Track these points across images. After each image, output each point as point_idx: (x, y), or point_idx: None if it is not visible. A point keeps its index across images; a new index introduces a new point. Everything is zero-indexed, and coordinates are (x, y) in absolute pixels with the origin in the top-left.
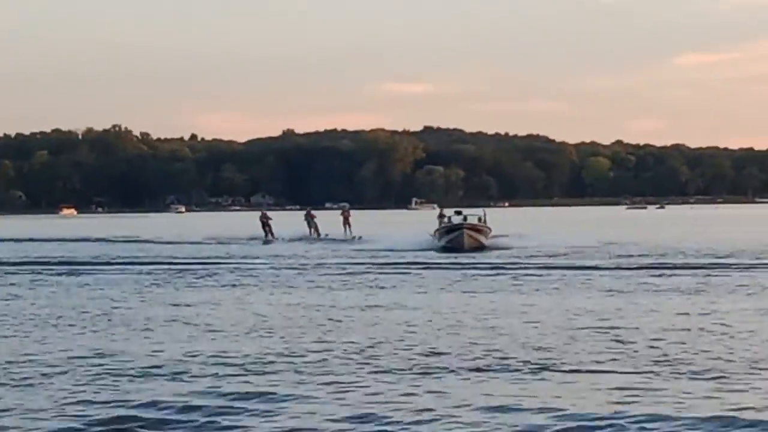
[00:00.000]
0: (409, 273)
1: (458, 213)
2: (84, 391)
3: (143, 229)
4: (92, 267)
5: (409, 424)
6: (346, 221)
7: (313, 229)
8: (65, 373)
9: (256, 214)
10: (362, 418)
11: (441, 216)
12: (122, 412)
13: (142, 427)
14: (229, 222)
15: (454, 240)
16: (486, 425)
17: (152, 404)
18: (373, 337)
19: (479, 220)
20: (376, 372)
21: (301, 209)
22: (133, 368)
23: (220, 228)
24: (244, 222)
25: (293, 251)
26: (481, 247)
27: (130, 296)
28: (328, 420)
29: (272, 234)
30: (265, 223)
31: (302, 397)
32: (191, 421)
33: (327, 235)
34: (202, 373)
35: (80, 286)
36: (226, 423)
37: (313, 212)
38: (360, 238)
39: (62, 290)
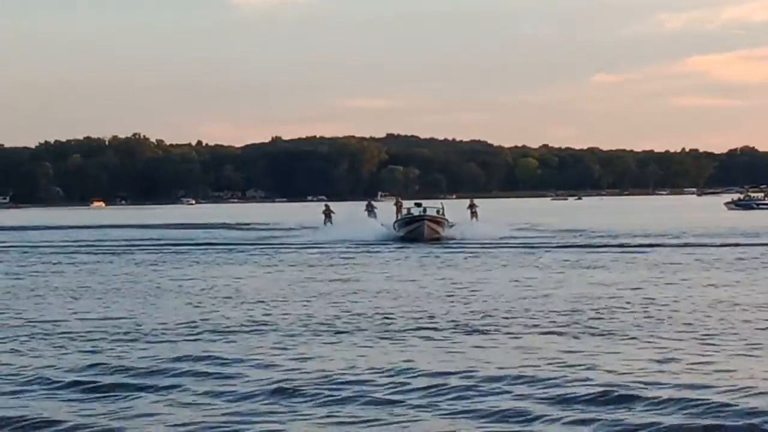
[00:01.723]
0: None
1: (418, 205)
2: (69, 351)
3: (185, 217)
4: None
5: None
6: (399, 210)
7: (373, 218)
8: (64, 334)
9: (255, 205)
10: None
11: (398, 206)
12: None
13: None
14: (250, 212)
15: (415, 231)
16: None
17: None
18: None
19: (437, 212)
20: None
21: (288, 201)
22: (124, 332)
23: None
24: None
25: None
26: (439, 238)
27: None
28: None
29: (331, 222)
30: (327, 214)
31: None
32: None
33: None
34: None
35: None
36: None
37: (374, 203)
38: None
39: (122, 265)
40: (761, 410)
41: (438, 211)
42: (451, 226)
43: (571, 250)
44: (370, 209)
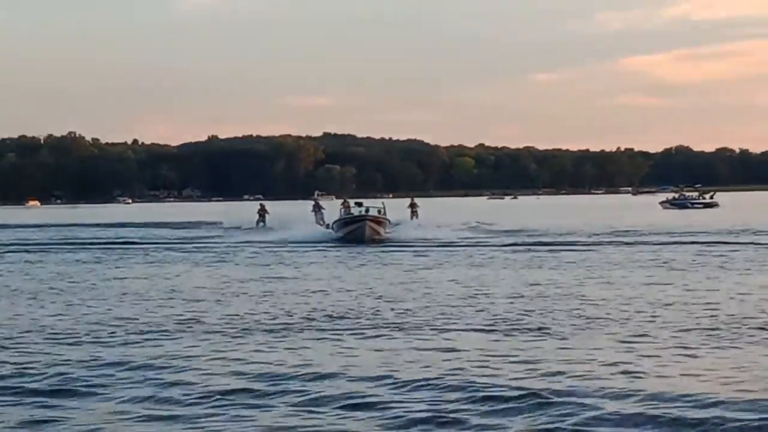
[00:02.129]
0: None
1: (359, 204)
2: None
3: (122, 216)
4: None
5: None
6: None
7: (320, 218)
8: None
9: (191, 204)
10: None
11: (346, 206)
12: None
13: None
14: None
15: (356, 231)
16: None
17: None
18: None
19: (378, 212)
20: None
21: (224, 200)
22: (47, 334)
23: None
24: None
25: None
26: (381, 239)
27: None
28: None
29: (264, 222)
30: (261, 214)
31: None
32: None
33: (329, 225)
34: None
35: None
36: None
37: (321, 203)
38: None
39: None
40: (676, 417)
41: (379, 211)
42: (395, 226)
43: (512, 248)
44: (317, 209)
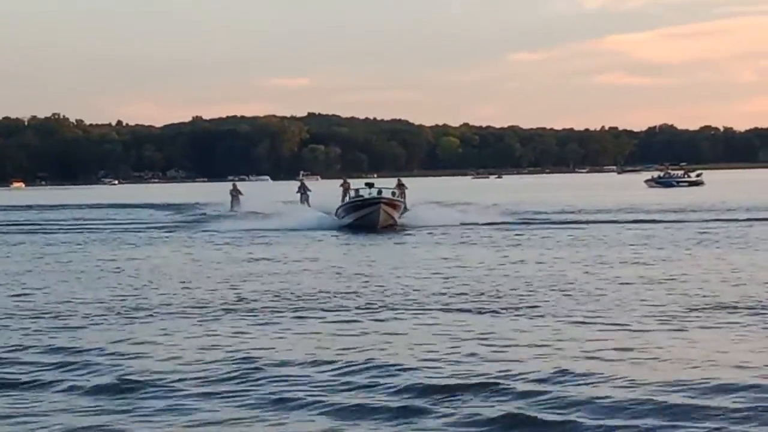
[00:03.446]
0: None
1: (369, 185)
2: None
3: (111, 197)
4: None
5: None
6: (346, 193)
7: (305, 200)
8: None
9: (175, 185)
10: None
11: (345, 188)
12: None
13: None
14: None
15: (368, 217)
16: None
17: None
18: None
19: (392, 194)
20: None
21: (209, 181)
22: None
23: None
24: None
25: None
26: (394, 225)
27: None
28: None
29: (239, 205)
30: (235, 195)
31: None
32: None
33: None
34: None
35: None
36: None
37: (307, 184)
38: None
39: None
40: (621, 403)
41: (393, 193)
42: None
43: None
44: (303, 191)
